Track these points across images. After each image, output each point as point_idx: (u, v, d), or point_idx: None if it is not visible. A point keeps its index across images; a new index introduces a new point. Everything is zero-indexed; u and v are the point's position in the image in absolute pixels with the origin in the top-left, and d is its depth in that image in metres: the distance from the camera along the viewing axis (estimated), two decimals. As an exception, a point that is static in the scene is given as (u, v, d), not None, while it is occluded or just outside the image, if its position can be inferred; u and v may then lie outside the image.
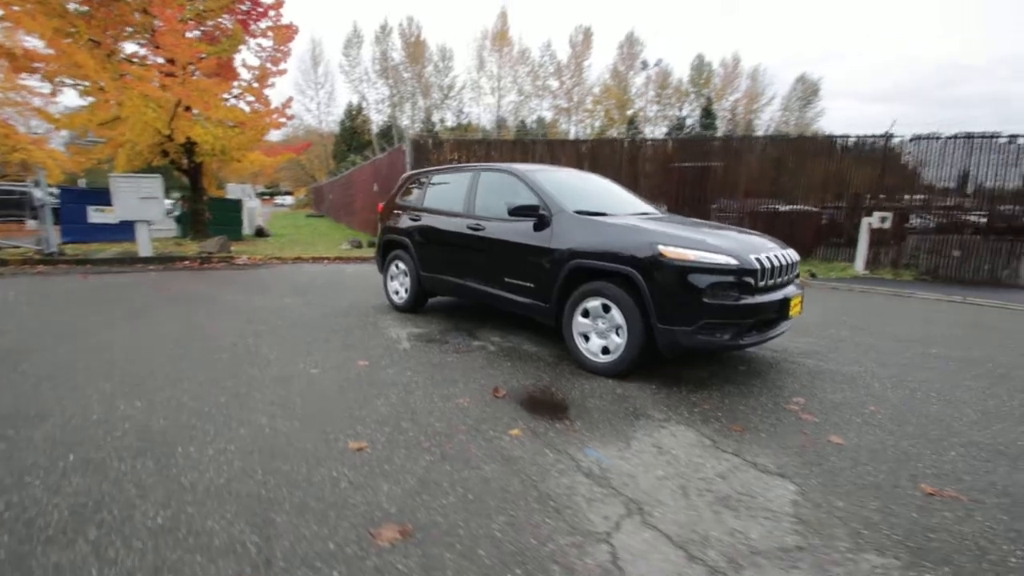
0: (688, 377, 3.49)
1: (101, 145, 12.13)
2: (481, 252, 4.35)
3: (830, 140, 10.47)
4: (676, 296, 3.10)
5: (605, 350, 3.48)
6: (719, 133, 40.01)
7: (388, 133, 41.87)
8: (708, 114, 46.47)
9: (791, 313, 3.38)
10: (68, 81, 10.73)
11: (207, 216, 12.88)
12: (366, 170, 17.33)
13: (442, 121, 47.86)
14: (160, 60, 10.92)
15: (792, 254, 3.61)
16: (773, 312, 3.27)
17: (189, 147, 11.87)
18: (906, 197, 9.71)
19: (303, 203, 43.87)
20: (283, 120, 13.07)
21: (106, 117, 10.72)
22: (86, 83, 10.56)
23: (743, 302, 3.10)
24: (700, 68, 48.19)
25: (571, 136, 43.89)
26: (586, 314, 3.56)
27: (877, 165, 9.84)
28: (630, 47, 47.22)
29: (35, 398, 2.90)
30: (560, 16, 71.54)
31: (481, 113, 49.11)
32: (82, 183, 18.30)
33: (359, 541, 1.73)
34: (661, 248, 3.16)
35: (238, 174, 19.18)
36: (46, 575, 1.55)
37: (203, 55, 10.64)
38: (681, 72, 50.84)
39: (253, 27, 11.84)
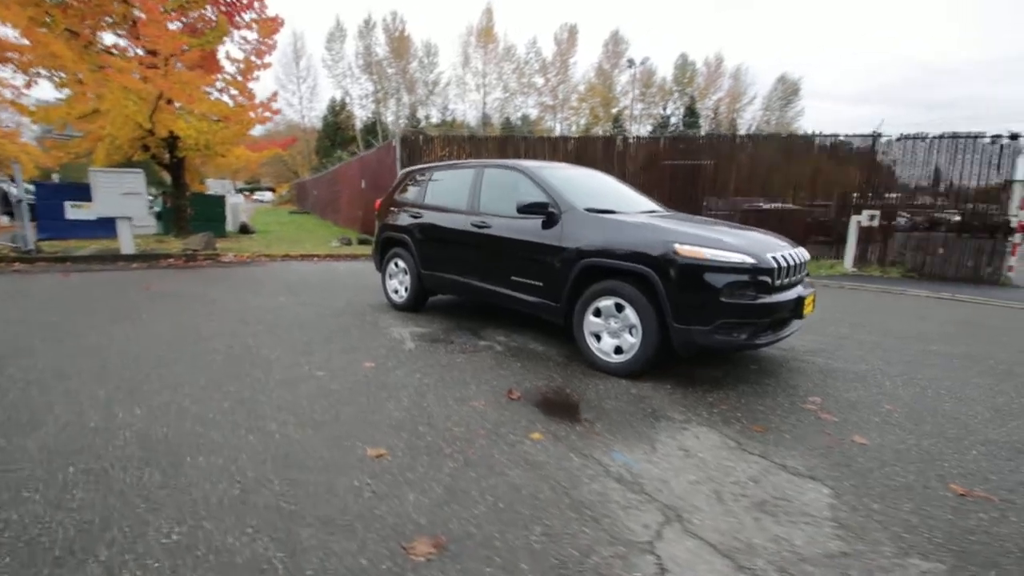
0: (702, 376, 3.45)
1: (79, 139, 11.68)
2: (486, 250, 4.25)
3: (820, 140, 10.58)
4: (693, 295, 3.06)
5: (618, 350, 3.42)
6: (702, 132, 40.37)
7: (373, 129, 41.37)
8: (692, 113, 46.99)
9: (804, 312, 3.37)
10: (43, 72, 10.31)
11: (190, 212, 12.54)
12: (353, 166, 17.03)
13: (427, 117, 47.53)
14: (140, 52, 10.57)
15: (802, 253, 3.60)
16: (788, 311, 3.25)
17: (171, 141, 11.54)
18: (892, 196, 9.89)
19: (284, 199, 43.01)
20: (268, 115, 12.78)
21: (85, 110, 10.33)
22: (62, 75, 10.17)
23: (760, 301, 3.07)
24: (684, 67, 48.67)
25: (556, 133, 43.87)
26: (598, 313, 3.50)
27: (866, 164, 9.99)
28: (615, 45, 47.49)
29: (25, 404, 2.73)
30: (546, 13, 71.33)
31: (467, 110, 48.96)
32: (55, 178, 17.65)
33: (392, 556, 1.64)
34: (677, 247, 3.11)
35: (220, 169, 18.71)
36: (57, 601, 1.43)
37: (186, 47, 10.29)
38: (665, 71, 51.21)
39: (237, 19, 11.53)
